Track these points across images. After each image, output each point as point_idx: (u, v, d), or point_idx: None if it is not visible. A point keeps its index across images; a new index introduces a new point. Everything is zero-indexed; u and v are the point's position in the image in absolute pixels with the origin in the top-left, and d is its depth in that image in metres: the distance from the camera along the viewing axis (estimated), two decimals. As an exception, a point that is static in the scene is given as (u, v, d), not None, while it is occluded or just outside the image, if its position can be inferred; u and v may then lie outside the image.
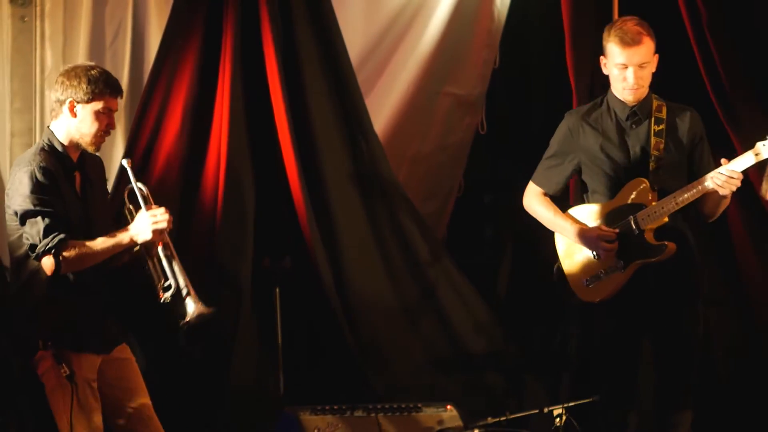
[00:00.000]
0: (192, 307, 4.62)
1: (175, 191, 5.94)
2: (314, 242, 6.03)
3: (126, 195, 4.79)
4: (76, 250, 4.52)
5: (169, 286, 4.64)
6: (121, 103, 6.13)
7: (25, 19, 6.01)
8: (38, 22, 6.03)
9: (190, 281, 4.66)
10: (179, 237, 5.86)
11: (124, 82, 6.21)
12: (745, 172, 4.89)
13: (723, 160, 4.83)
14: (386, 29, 6.52)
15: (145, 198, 4.70)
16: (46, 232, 4.49)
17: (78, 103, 4.62)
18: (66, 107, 4.64)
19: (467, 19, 6.53)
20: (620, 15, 5.91)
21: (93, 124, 4.64)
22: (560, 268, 5.19)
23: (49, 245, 4.47)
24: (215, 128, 5.98)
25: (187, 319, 4.62)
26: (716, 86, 5.76)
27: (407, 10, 6.51)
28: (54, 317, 4.58)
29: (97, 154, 4.81)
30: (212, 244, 5.92)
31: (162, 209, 4.64)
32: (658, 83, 5.89)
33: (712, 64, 5.75)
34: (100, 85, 4.63)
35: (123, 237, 4.60)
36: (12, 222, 4.60)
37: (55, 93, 4.67)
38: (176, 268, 4.66)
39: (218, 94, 5.99)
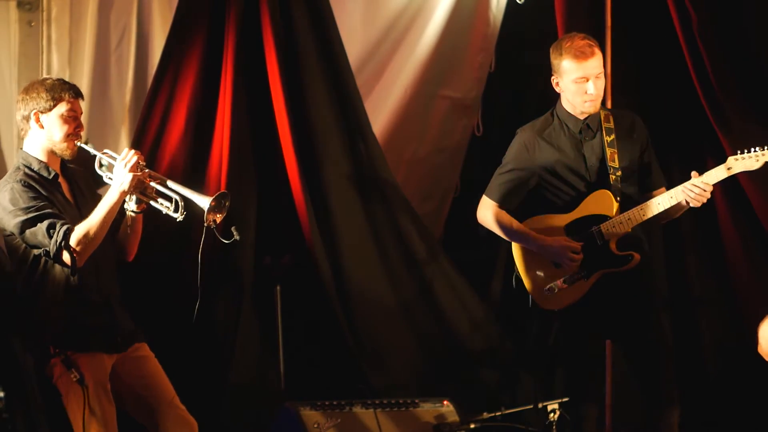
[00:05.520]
0: (203, 201, 4.60)
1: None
2: (314, 241, 6.08)
3: (98, 166, 4.77)
4: (80, 232, 4.53)
5: (177, 204, 4.62)
6: (126, 105, 6.27)
7: (32, 23, 6.05)
8: (45, 27, 6.07)
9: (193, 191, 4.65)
10: (183, 236, 6.00)
11: (129, 86, 6.25)
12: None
13: (694, 173, 4.88)
14: (384, 34, 6.54)
15: (112, 157, 4.70)
16: (49, 230, 4.51)
17: (42, 113, 4.65)
18: (32, 121, 4.66)
19: (464, 23, 6.56)
20: (613, 22, 5.99)
21: (62, 129, 4.66)
22: (518, 277, 5.23)
23: (59, 241, 4.49)
24: (218, 130, 6.03)
25: (209, 213, 4.59)
26: (706, 90, 5.78)
27: (405, 15, 6.53)
28: (61, 319, 4.60)
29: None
30: (215, 243, 5.97)
31: (125, 149, 4.64)
32: (651, 88, 5.99)
33: (703, 68, 5.77)
34: (58, 90, 4.66)
35: (111, 195, 4.58)
36: (12, 242, 4.62)
37: (19, 112, 4.69)
38: (172, 186, 4.66)
39: (220, 97, 6.03)
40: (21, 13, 6.05)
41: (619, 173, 5.03)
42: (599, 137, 5.08)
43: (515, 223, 5.18)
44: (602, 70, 5.04)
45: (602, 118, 5.11)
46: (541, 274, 5.15)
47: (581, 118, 5.11)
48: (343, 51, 6.21)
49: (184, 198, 4.63)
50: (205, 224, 4.62)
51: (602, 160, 5.06)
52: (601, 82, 5.04)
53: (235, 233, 4.77)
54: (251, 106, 6.12)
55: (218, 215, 4.65)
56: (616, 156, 5.04)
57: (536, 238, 5.12)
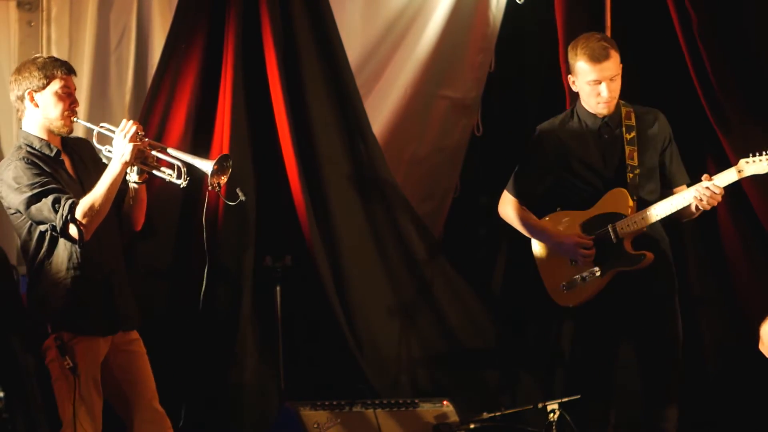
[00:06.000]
0: (205, 165, 4.61)
1: (178, 191, 5.99)
2: (314, 241, 6.08)
3: (96, 139, 4.78)
4: (85, 204, 4.53)
5: (179, 171, 4.64)
6: (126, 105, 6.27)
7: (32, 23, 6.06)
8: (44, 27, 6.08)
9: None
10: (182, 237, 6.00)
11: (129, 85, 6.26)
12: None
13: (705, 176, 4.89)
14: (384, 34, 6.54)
15: (110, 130, 4.71)
16: (55, 205, 4.52)
17: (36, 91, 4.66)
18: (27, 101, 4.67)
19: (463, 23, 6.56)
20: (612, 22, 6.00)
21: (57, 106, 4.67)
22: (537, 274, 5.27)
23: (65, 214, 4.50)
24: (217, 130, 6.03)
25: (212, 177, 4.59)
26: (706, 90, 5.78)
27: (405, 15, 6.54)
28: (62, 297, 4.61)
29: (89, 141, 4.86)
30: (214, 244, 5.97)
31: (123, 120, 4.64)
32: (651, 88, 5.99)
33: (702, 68, 5.77)
34: (50, 67, 4.67)
35: (113, 167, 4.59)
36: (17, 220, 4.64)
37: (12, 93, 4.71)
38: (173, 152, 4.68)
39: (220, 97, 6.03)
40: (21, 13, 6.06)
41: (637, 171, 5.04)
42: (619, 134, 5.09)
43: (532, 219, 5.24)
44: (618, 72, 5.03)
45: (623, 115, 5.11)
46: (558, 270, 5.19)
47: (600, 116, 5.11)
48: (343, 51, 6.21)
49: (186, 164, 4.64)
50: (209, 188, 4.64)
51: (621, 157, 5.06)
52: (616, 84, 5.04)
53: (240, 194, 4.78)
54: (251, 106, 6.12)
55: (222, 177, 4.66)
56: (635, 154, 5.05)
57: (551, 234, 5.17)
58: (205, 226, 5.31)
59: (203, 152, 6.02)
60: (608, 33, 5.98)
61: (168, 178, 4.68)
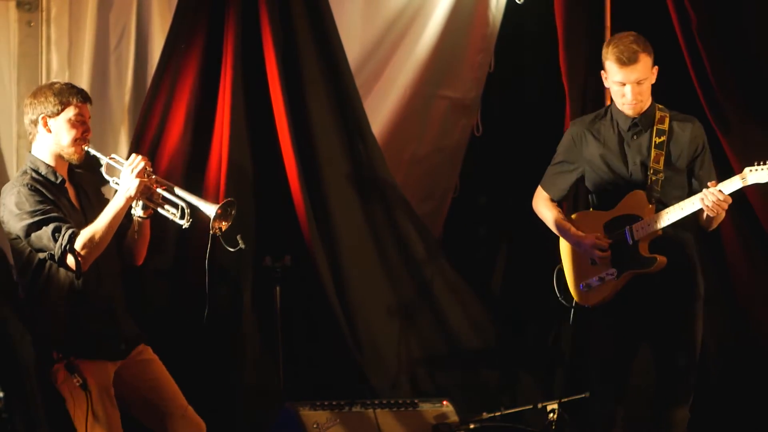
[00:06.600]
0: (209, 208, 4.60)
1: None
2: (314, 242, 6.08)
3: (105, 171, 4.78)
4: (86, 236, 4.53)
5: (183, 211, 4.63)
6: (125, 105, 6.27)
7: (32, 23, 6.05)
8: (44, 27, 6.06)
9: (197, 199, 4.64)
10: (182, 237, 5.99)
11: (128, 86, 6.25)
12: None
13: (711, 182, 4.87)
14: (384, 34, 6.55)
15: (119, 162, 4.71)
16: (55, 234, 4.51)
17: (50, 117, 4.66)
18: (40, 125, 4.67)
19: (463, 23, 6.57)
20: (612, 22, 6.00)
21: (69, 133, 4.67)
22: (561, 271, 5.27)
23: (65, 244, 4.49)
24: (217, 130, 6.03)
25: (214, 221, 4.59)
26: (706, 90, 5.80)
27: (404, 15, 6.55)
28: (63, 325, 4.60)
29: (101, 158, 4.85)
30: (214, 244, 5.97)
31: (132, 155, 4.64)
32: (650, 88, 6.00)
33: (702, 69, 5.79)
34: (66, 94, 4.68)
35: (117, 200, 4.59)
36: (17, 246, 4.63)
37: (26, 116, 4.70)
38: (179, 192, 4.66)
39: (220, 97, 6.03)
40: (21, 13, 6.05)
41: (660, 175, 5.01)
42: (648, 136, 5.06)
43: (558, 217, 5.24)
44: (647, 75, 4.97)
45: (656, 119, 5.08)
46: (580, 269, 5.19)
47: (631, 116, 5.10)
48: (343, 51, 6.22)
49: (190, 205, 4.63)
50: (211, 232, 4.62)
51: (646, 160, 5.05)
52: (644, 87, 4.99)
53: (240, 242, 4.78)
54: (250, 107, 6.12)
55: (224, 223, 4.66)
56: (661, 158, 5.02)
57: (573, 233, 5.16)
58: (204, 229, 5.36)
59: (203, 152, 6.06)
60: (608, 33, 5.99)
61: (171, 217, 4.68)
